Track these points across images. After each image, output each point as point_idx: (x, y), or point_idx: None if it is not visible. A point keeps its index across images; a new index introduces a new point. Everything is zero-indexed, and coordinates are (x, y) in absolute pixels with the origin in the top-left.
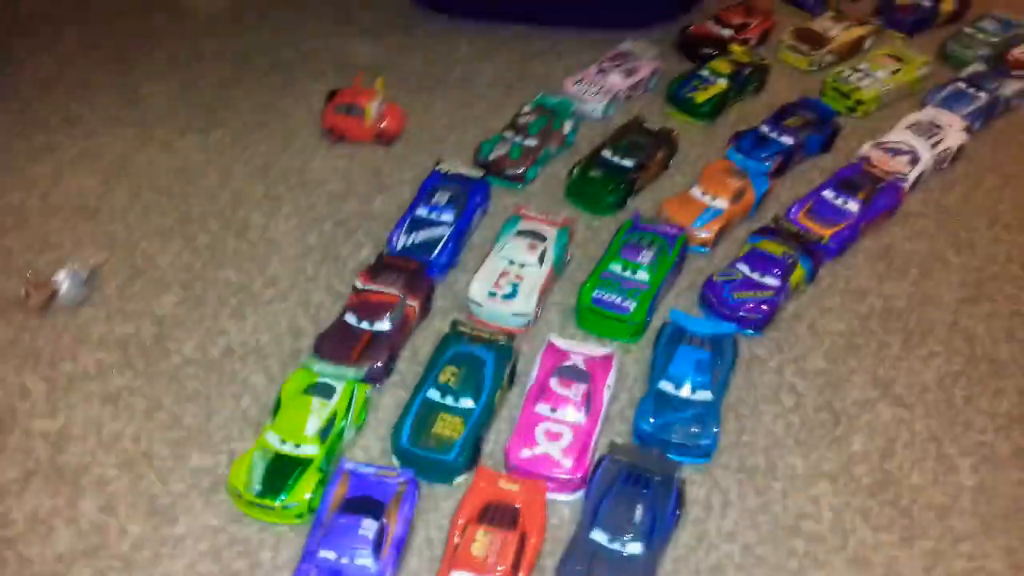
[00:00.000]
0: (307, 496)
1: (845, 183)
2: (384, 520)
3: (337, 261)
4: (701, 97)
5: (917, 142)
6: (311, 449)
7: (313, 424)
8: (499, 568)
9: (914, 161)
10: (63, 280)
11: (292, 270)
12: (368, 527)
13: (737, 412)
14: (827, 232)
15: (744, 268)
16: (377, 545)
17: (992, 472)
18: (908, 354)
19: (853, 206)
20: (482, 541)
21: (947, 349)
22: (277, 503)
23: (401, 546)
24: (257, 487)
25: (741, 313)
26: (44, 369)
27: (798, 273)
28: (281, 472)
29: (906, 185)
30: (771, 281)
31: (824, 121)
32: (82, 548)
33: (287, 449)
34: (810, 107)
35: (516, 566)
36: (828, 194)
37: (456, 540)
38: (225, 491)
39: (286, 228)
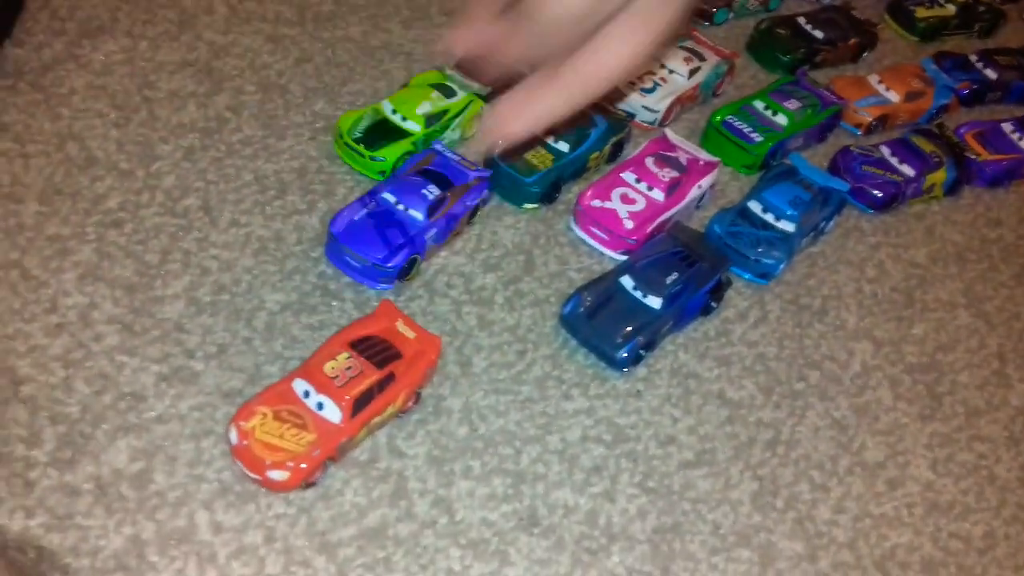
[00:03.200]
0: (394, 158)
1: None
2: (447, 194)
3: None
4: (922, 13)
5: None
6: (414, 126)
7: (424, 108)
8: (344, 397)
9: None
10: None
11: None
12: (431, 191)
13: (815, 260)
14: (988, 156)
15: (885, 151)
16: (432, 208)
17: None
18: (1016, 285)
19: None
20: (339, 363)
21: None
22: (367, 153)
23: (452, 222)
24: (358, 134)
25: (862, 185)
26: None
27: (938, 175)
28: (381, 132)
29: None
30: (907, 170)
31: None
32: (196, 122)
33: (395, 119)
34: None
35: (360, 404)
36: (1007, 126)
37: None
38: (331, 134)
39: None
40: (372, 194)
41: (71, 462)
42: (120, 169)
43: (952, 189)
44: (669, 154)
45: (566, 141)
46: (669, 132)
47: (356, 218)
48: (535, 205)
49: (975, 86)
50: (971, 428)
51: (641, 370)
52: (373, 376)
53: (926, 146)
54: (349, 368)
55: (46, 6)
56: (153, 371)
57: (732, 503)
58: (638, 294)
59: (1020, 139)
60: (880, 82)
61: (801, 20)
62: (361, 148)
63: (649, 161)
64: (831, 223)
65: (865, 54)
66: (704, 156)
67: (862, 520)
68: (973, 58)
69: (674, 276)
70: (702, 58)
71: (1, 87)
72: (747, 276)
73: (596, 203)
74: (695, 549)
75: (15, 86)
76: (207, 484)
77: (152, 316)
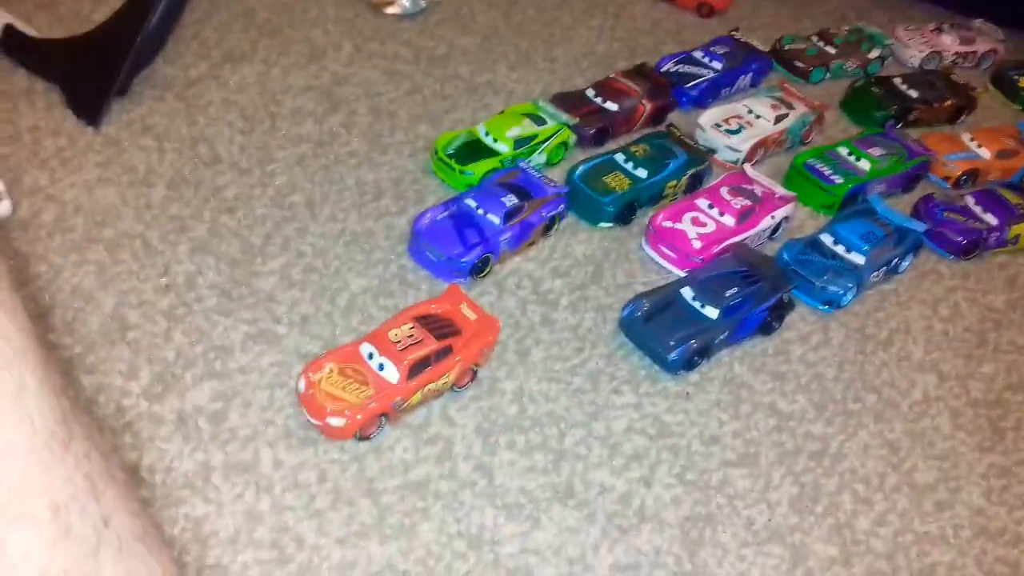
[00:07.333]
0: (481, 173)
1: None
2: (525, 204)
3: (611, 67)
4: None
5: None
6: (503, 147)
7: (514, 132)
8: (403, 360)
9: None
10: None
11: (572, 56)
12: (510, 199)
13: (887, 296)
14: None
15: (970, 200)
16: (509, 215)
17: None
18: None
19: None
20: (402, 331)
21: None
22: (458, 168)
23: (528, 230)
24: (451, 151)
25: (942, 230)
26: (356, 38)
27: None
28: (473, 151)
29: None
30: (990, 219)
31: None
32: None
33: (487, 140)
34: None
35: (417, 368)
36: None
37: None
38: (429, 153)
39: (585, 34)
40: (456, 199)
41: (160, 396)
42: (240, 167)
43: None
44: (745, 186)
45: (644, 168)
46: (748, 167)
47: (438, 218)
48: (610, 224)
49: None
50: None
51: (694, 376)
52: (431, 345)
53: (1013, 198)
54: (411, 336)
55: (196, 36)
56: (242, 330)
57: (770, 503)
58: (696, 304)
59: None
60: (972, 139)
61: (897, 80)
62: (452, 162)
63: (724, 190)
64: (906, 262)
65: (963, 117)
66: (780, 191)
67: (904, 535)
68: None
69: (734, 291)
70: (790, 107)
71: (150, 96)
72: (813, 303)
73: (667, 223)
74: (726, 540)
75: (162, 96)
76: (274, 427)
77: (249, 286)
